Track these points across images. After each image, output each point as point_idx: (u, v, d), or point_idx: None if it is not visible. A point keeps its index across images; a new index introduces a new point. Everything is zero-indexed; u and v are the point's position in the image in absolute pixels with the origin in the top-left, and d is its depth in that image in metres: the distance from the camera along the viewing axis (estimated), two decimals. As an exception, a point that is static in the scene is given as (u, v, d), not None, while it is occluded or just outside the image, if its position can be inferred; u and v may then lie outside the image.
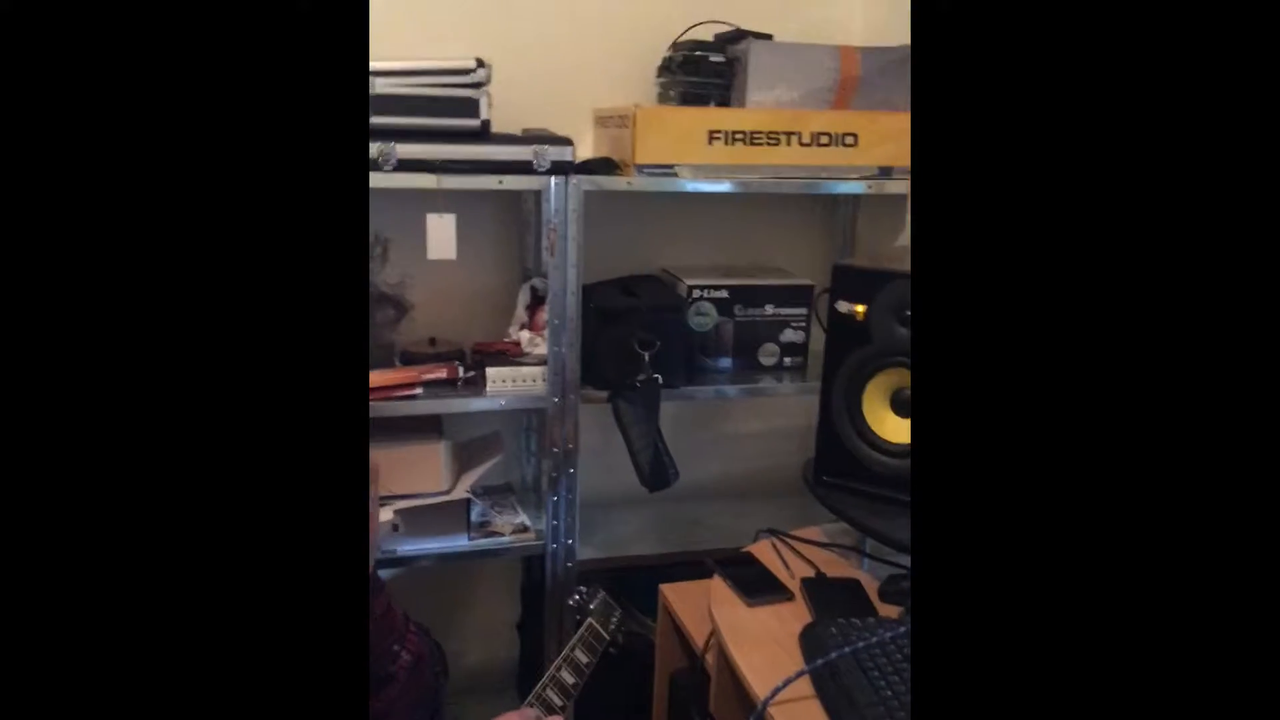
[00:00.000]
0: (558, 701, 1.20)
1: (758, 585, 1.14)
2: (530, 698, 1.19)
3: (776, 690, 0.88)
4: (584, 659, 1.23)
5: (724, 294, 1.60)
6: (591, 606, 1.28)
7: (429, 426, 1.56)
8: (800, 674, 0.91)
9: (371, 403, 1.39)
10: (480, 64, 1.30)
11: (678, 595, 1.35)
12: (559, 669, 1.21)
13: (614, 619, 1.29)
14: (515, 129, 1.49)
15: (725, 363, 1.63)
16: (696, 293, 1.59)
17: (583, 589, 1.32)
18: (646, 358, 1.48)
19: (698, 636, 1.24)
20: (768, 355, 1.65)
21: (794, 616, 1.07)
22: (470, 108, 1.30)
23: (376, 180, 1.29)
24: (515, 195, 1.64)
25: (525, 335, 1.56)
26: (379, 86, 1.26)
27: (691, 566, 1.40)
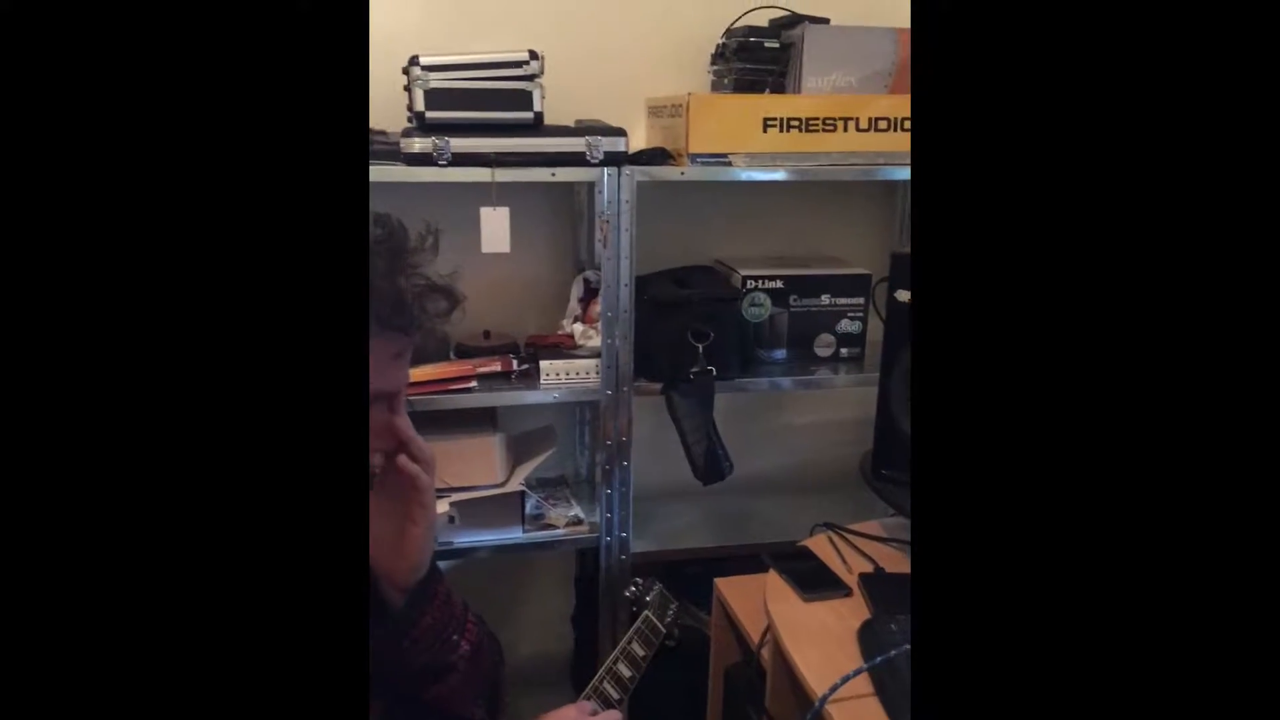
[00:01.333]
0: (614, 695, 1.19)
1: (814, 580, 1.12)
2: (587, 691, 1.19)
3: (835, 687, 0.86)
4: (640, 652, 1.22)
5: (779, 284, 1.58)
6: (648, 599, 1.28)
7: (483, 419, 1.57)
8: (859, 671, 0.89)
9: (427, 395, 1.41)
10: (534, 56, 1.30)
11: (732, 589, 1.34)
12: (615, 662, 1.20)
13: (670, 611, 1.29)
14: (568, 120, 1.48)
15: (780, 354, 1.61)
16: (751, 283, 1.57)
17: (638, 581, 1.32)
18: (700, 349, 1.46)
19: (753, 631, 1.23)
20: (824, 346, 1.62)
21: (852, 613, 1.05)
22: (524, 100, 1.30)
23: (431, 175, 1.30)
24: (567, 187, 1.64)
25: (579, 328, 1.56)
26: (433, 81, 1.27)
27: (746, 560, 1.38)
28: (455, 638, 0.94)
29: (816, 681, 0.90)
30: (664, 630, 1.26)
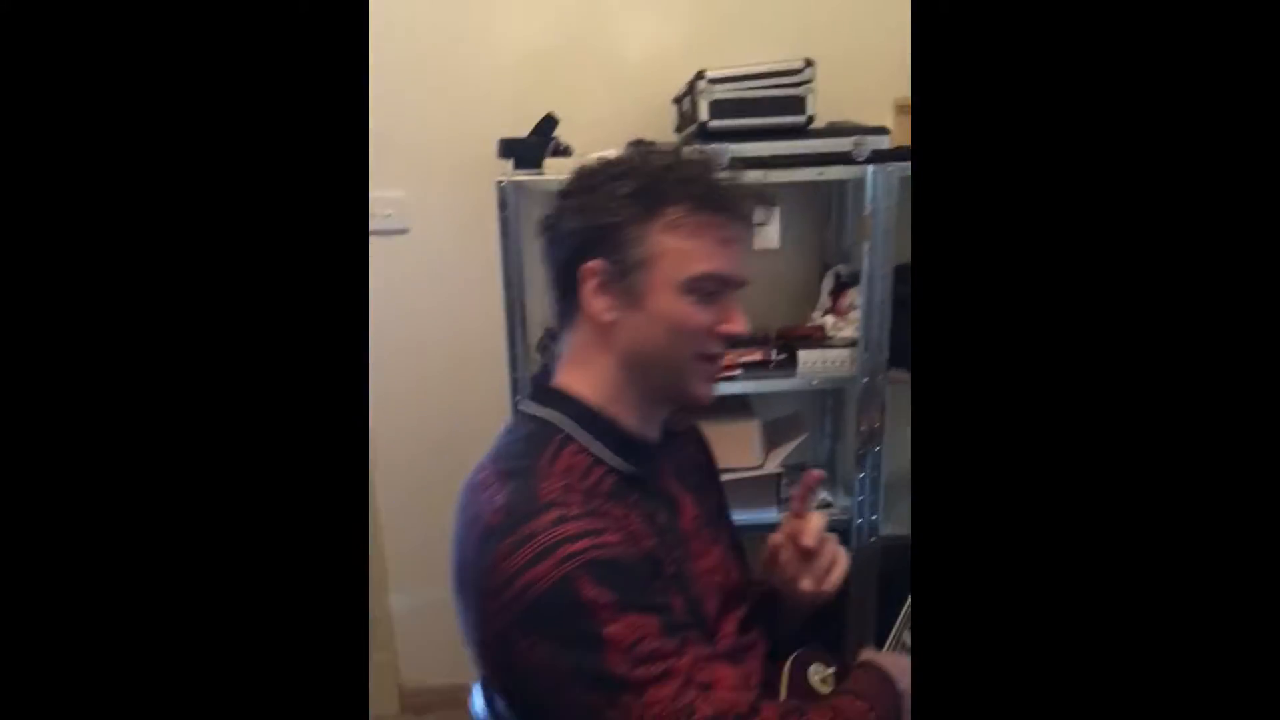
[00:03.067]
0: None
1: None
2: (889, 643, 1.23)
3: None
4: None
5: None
6: None
7: (738, 406, 1.68)
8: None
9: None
10: (808, 63, 1.40)
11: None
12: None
13: None
14: (819, 121, 1.57)
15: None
16: (1001, 274, 1.60)
17: None
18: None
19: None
20: (1076, 335, 1.62)
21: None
22: (796, 105, 1.41)
23: (709, 178, 1.42)
24: (813, 187, 1.73)
25: (830, 320, 1.64)
26: (716, 92, 1.39)
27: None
28: None
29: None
30: None
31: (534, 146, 1.46)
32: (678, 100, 1.56)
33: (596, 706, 0.73)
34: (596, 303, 0.84)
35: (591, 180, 0.86)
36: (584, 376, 0.88)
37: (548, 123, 1.48)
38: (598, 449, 0.85)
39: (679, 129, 1.58)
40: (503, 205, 1.44)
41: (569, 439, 0.85)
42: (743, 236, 0.87)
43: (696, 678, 0.74)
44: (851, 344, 1.57)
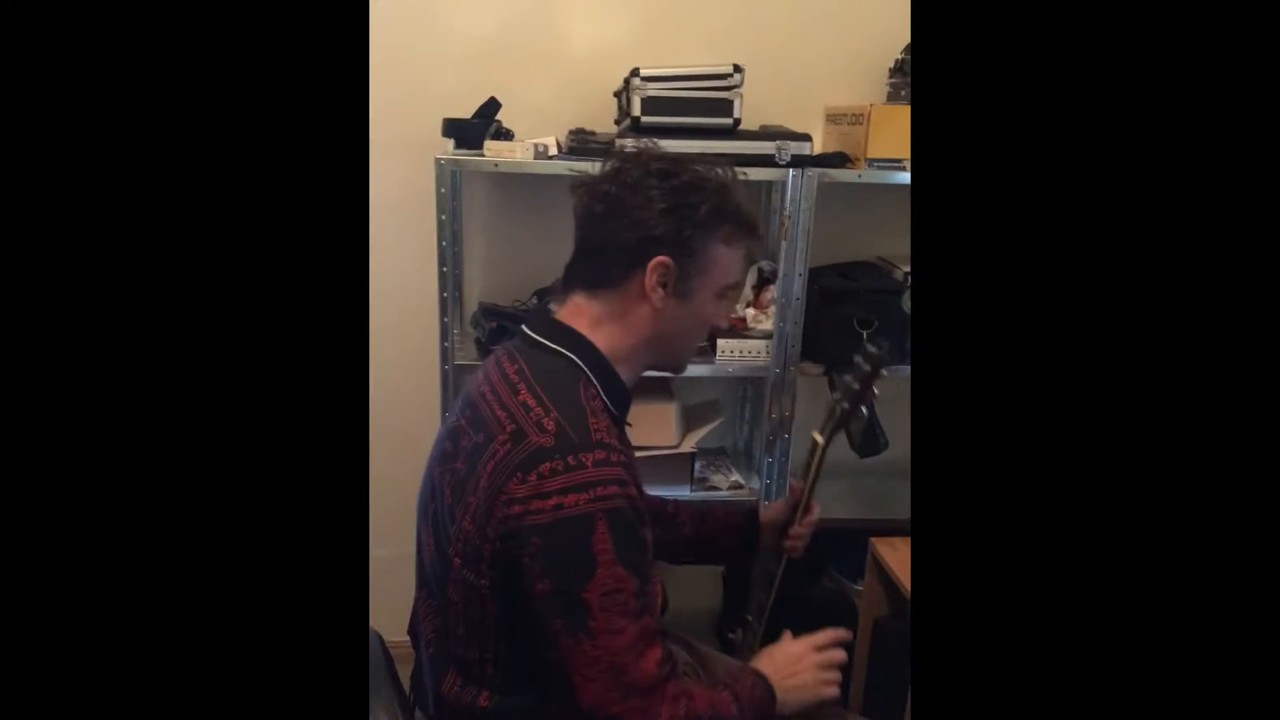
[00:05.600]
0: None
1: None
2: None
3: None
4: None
5: (938, 282, 1.71)
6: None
7: (660, 388, 1.77)
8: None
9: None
10: (737, 69, 1.49)
11: (888, 547, 1.49)
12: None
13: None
14: (751, 125, 1.66)
15: (935, 346, 1.74)
16: (911, 279, 1.71)
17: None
18: (865, 336, 1.61)
19: (906, 584, 1.37)
20: (977, 342, 1.74)
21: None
22: (725, 108, 1.49)
23: (639, 170, 1.50)
24: (744, 186, 1.82)
25: (751, 312, 1.73)
26: (650, 90, 1.47)
27: (889, 533, 1.52)
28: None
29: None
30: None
31: (476, 128, 1.53)
32: (617, 94, 1.63)
33: (554, 628, 0.88)
34: (655, 291, 0.97)
35: (665, 182, 0.98)
36: (609, 334, 1.00)
37: (490, 106, 1.55)
38: (605, 395, 0.98)
39: (618, 121, 1.66)
40: (442, 182, 1.51)
41: (589, 380, 0.97)
42: (752, 253, 1.06)
43: (639, 644, 0.88)
44: (768, 336, 1.66)
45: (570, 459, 0.87)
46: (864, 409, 1.21)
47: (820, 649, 1.05)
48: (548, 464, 0.87)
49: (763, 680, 1.00)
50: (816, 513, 1.25)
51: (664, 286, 0.97)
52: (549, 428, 0.89)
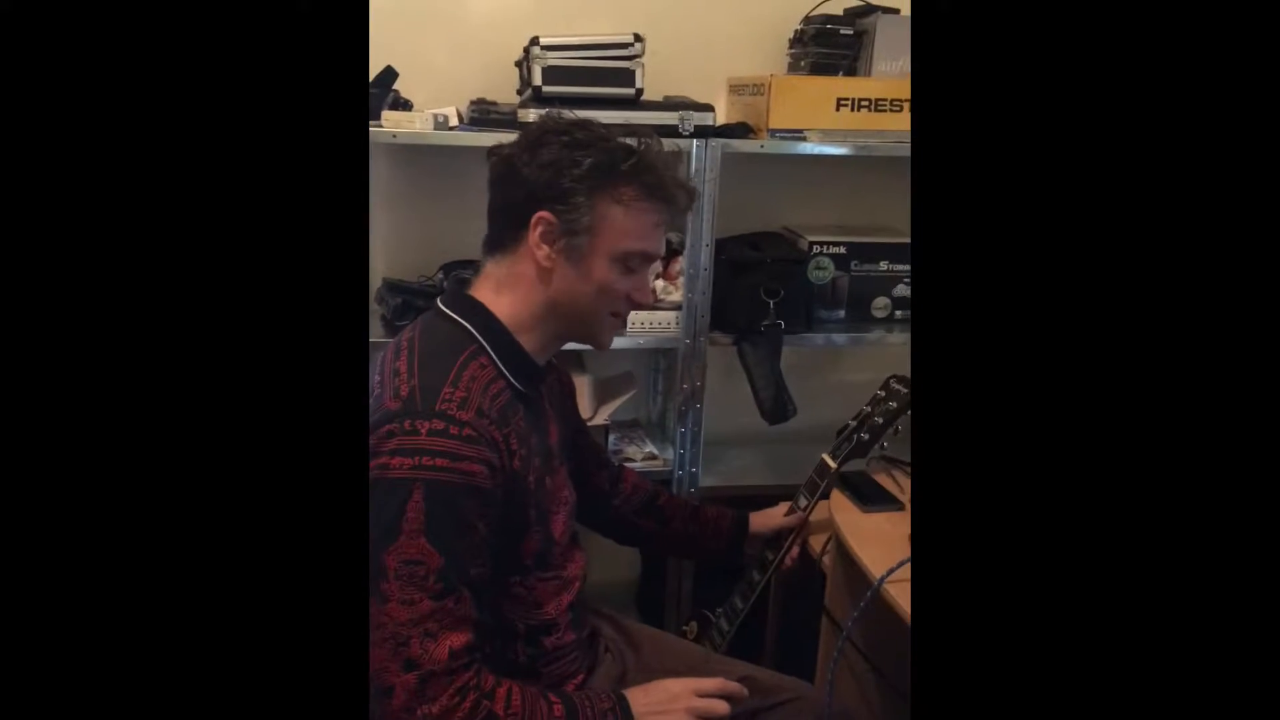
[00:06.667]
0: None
1: (873, 496, 1.30)
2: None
3: (891, 570, 1.04)
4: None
5: (841, 250, 1.74)
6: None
7: (571, 362, 1.77)
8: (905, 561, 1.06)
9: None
10: (637, 39, 1.48)
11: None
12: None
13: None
14: (656, 96, 1.66)
15: (840, 314, 1.78)
16: (816, 248, 1.74)
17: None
18: (771, 305, 1.64)
19: (815, 545, 1.41)
20: (880, 308, 1.78)
21: (904, 522, 1.23)
22: (627, 78, 1.48)
23: (543, 141, 1.48)
24: (653, 158, 1.82)
25: (660, 284, 1.74)
26: (550, 59, 1.45)
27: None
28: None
29: (876, 569, 1.08)
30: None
31: (373, 98, 1.48)
32: (518, 64, 1.61)
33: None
34: (540, 248, 0.95)
35: (558, 139, 0.96)
36: (508, 301, 0.99)
37: (387, 75, 1.51)
38: (502, 365, 0.97)
39: (519, 91, 1.64)
40: (338, 155, 1.46)
41: (482, 350, 0.96)
42: (668, 221, 1.03)
43: (429, 624, 0.85)
44: (678, 308, 1.67)
45: (406, 424, 0.87)
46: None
47: (702, 695, 0.97)
48: (386, 426, 0.88)
49: (622, 708, 0.94)
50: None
51: (550, 244, 0.95)
52: (403, 393, 0.90)
